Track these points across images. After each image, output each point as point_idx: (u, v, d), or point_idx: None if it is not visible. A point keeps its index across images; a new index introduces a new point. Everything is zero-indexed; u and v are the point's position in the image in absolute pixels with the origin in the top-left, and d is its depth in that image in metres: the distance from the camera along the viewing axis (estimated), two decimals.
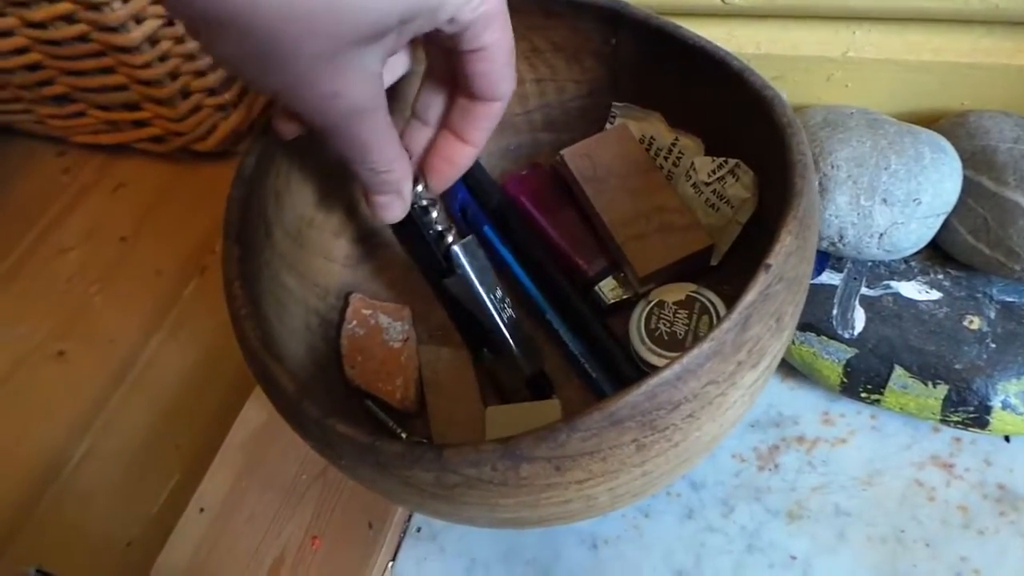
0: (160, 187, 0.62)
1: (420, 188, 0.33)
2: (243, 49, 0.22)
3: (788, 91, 0.42)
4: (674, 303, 0.38)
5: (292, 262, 0.37)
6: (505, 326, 0.36)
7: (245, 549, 0.39)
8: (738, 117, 0.34)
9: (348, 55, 0.23)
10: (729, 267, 0.39)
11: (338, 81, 0.24)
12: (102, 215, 0.61)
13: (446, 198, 0.43)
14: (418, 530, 0.41)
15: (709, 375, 0.25)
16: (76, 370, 0.52)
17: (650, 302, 0.38)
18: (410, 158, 0.31)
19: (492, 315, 0.36)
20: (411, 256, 0.37)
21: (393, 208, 0.31)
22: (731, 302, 0.25)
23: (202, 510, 0.41)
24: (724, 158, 0.37)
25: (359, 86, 0.25)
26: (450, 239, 0.34)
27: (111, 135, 0.62)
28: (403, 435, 0.36)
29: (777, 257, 0.26)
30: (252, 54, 0.23)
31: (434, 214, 0.34)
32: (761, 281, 0.25)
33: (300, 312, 0.37)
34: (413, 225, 0.35)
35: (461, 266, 0.35)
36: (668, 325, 0.37)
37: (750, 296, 0.25)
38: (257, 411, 0.44)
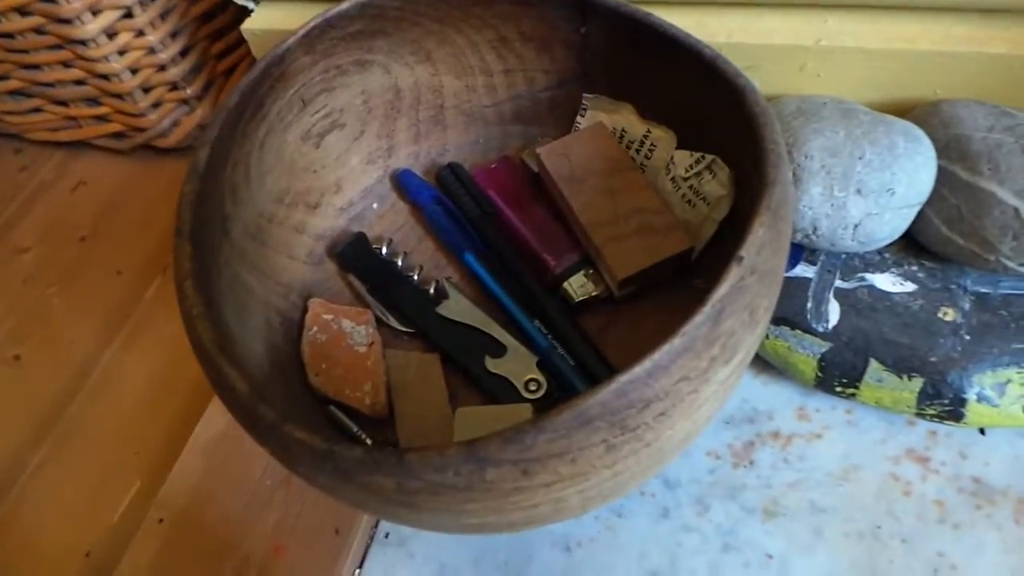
0: (121, 185, 0.60)
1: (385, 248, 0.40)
2: None
3: (760, 81, 0.42)
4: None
5: (253, 260, 0.36)
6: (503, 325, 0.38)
7: (207, 558, 0.38)
8: (711, 107, 0.34)
9: None
10: (704, 261, 0.38)
11: None
12: (61, 214, 0.59)
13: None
14: (386, 536, 0.39)
15: (681, 371, 0.24)
16: (32, 375, 0.50)
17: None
18: None
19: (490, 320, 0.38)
20: (385, 304, 0.39)
21: None
22: (704, 296, 0.24)
23: (161, 520, 0.39)
24: (701, 154, 0.36)
25: None
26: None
27: (70, 132, 0.60)
28: (367, 440, 0.35)
29: (749, 249, 0.25)
30: None
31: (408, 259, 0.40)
32: (734, 274, 0.25)
33: (261, 311, 0.35)
34: (394, 276, 0.39)
35: (455, 285, 0.39)
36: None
37: (722, 289, 0.24)
38: (219, 415, 0.43)
